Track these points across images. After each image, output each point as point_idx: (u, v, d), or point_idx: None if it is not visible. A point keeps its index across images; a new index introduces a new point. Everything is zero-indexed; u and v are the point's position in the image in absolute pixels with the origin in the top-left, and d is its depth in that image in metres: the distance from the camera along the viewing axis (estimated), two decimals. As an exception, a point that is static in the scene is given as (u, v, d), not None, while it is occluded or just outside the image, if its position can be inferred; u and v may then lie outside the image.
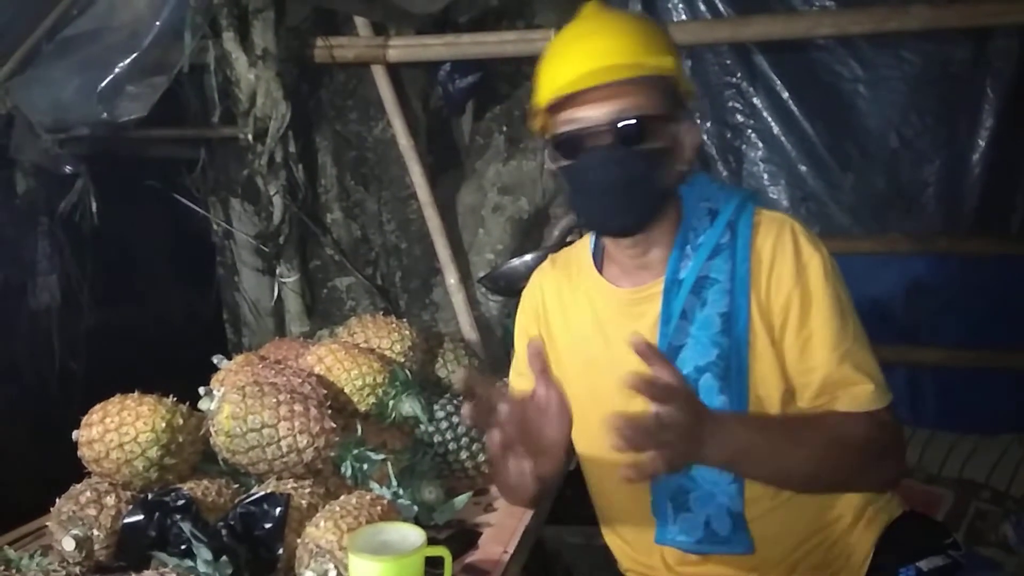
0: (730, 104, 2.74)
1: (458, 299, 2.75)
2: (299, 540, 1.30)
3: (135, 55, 2.29)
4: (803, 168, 2.69)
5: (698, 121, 1.30)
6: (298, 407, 1.46)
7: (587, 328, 1.35)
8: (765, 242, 1.23)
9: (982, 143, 2.53)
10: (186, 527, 1.30)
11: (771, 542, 1.28)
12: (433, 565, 1.23)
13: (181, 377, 1.57)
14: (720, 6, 2.64)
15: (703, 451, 1.03)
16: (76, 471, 1.48)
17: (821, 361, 1.20)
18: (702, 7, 2.67)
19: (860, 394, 1.19)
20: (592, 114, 1.18)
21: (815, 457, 1.15)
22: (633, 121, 1.17)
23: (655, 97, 1.19)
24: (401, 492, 1.48)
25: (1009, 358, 2.53)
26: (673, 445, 0.97)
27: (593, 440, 1.38)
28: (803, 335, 1.20)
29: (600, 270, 1.36)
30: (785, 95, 2.67)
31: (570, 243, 1.50)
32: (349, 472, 1.52)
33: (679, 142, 1.23)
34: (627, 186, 1.20)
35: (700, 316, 1.22)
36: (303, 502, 1.38)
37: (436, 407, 1.74)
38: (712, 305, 1.22)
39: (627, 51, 1.17)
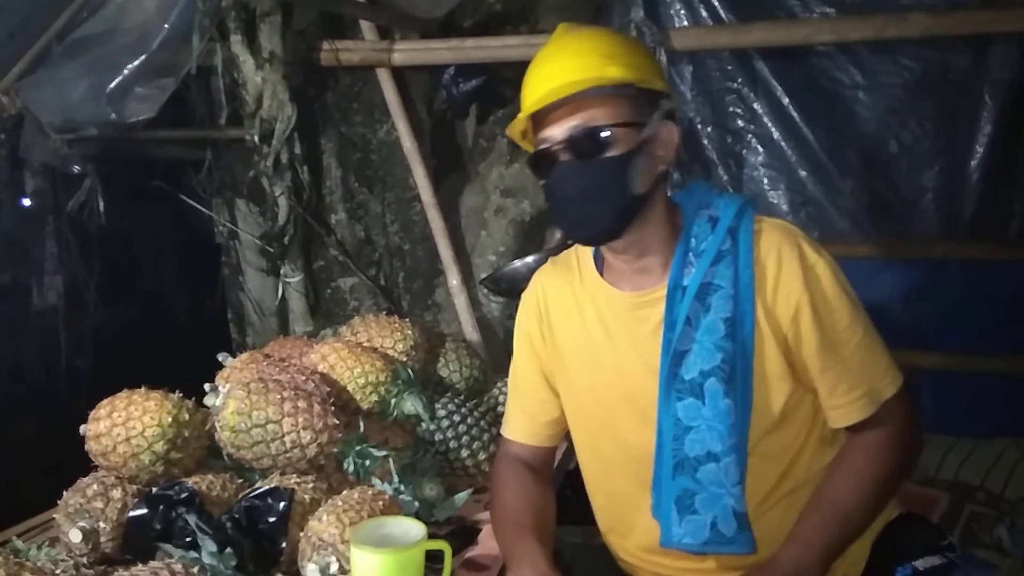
0: (731, 109, 2.76)
1: (460, 300, 2.77)
2: (302, 533, 1.32)
3: (144, 57, 2.33)
4: (803, 173, 2.71)
5: (675, 119, 1.31)
6: (302, 404, 1.48)
7: (592, 328, 1.37)
8: (769, 249, 1.26)
9: (980, 149, 2.55)
10: (191, 520, 1.32)
11: (771, 541, 1.30)
12: (433, 560, 1.26)
13: (186, 376, 1.59)
14: (722, 13, 2.66)
15: None
16: (83, 465, 1.50)
17: (841, 357, 1.26)
18: (704, 13, 2.68)
19: (877, 389, 1.27)
20: (554, 132, 1.24)
21: (871, 504, 1.27)
22: (585, 134, 1.22)
23: (618, 107, 1.22)
24: (402, 488, 1.50)
25: (1006, 363, 2.54)
26: None
27: (594, 439, 1.41)
28: (821, 336, 1.25)
29: (601, 273, 1.38)
30: (785, 101, 2.68)
31: (571, 245, 1.51)
32: (351, 468, 1.54)
33: (652, 145, 1.25)
34: (587, 197, 1.24)
35: (705, 321, 1.25)
36: (306, 497, 1.40)
37: (437, 406, 1.76)
38: (716, 310, 1.24)
39: (583, 67, 1.21)
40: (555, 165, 1.25)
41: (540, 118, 1.25)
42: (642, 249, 1.30)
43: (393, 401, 1.70)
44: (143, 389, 1.52)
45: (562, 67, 1.23)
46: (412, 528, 1.24)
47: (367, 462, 1.55)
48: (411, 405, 1.70)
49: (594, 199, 1.24)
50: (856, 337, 1.26)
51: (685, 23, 2.70)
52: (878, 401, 1.26)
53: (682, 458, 1.26)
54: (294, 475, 1.47)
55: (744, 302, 1.24)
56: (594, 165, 1.22)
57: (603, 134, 1.21)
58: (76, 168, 2.63)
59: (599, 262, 1.39)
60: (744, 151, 2.77)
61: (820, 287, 1.25)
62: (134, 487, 1.44)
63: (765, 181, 2.76)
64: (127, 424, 1.45)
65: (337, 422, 1.50)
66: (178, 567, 1.23)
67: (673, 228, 1.31)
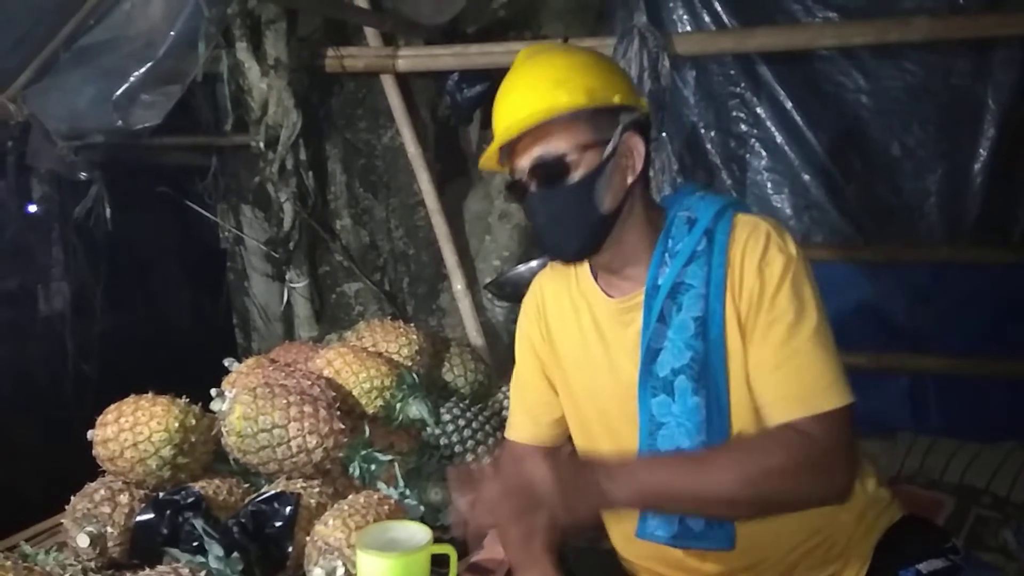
0: (734, 114, 2.77)
1: (464, 305, 2.78)
2: (308, 538, 1.33)
3: (150, 64, 2.34)
4: (806, 177, 2.71)
5: (641, 128, 1.29)
6: (308, 408, 1.49)
7: (587, 332, 1.39)
8: (737, 245, 1.26)
9: (983, 153, 2.54)
10: (198, 524, 1.33)
11: (768, 543, 1.30)
12: (438, 564, 1.26)
13: (191, 381, 1.60)
14: (724, 18, 2.67)
15: (604, 496, 1.12)
16: (91, 470, 1.51)
17: (767, 357, 1.22)
18: (707, 18, 2.69)
19: (800, 398, 1.20)
20: (521, 163, 1.28)
21: (734, 485, 1.15)
22: (545, 163, 1.25)
23: (575, 130, 1.24)
24: (408, 493, 1.51)
25: (1010, 366, 2.54)
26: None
27: (593, 441, 1.42)
28: (759, 326, 1.23)
29: (595, 278, 1.40)
30: (788, 105, 2.69)
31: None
32: (357, 472, 1.55)
33: (618, 159, 1.27)
34: (558, 222, 1.29)
35: (676, 320, 1.26)
36: (312, 501, 1.41)
37: (442, 410, 1.77)
38: (687, 310, 1.25)
39: (535, 99, 1.24)
40: (526, 194, 1.29)
41: (509, 148, 1.29)
42: (624, 258, 1.32)
43: (398, 406, 1.70)
44: (150, 394, 1.53)
45: (518, 100, 1.26)
46: (418, 532, 1.24)
47: (372, 467, 1.56)
48: (416, 410, 1.71)
49: (564, 224, 1.28)
50: (797, 339, 1.20)
51: (688, 28, 2.71)
52: (810, 411, 1.18)
53: (655, 453, 1.27)
54: (300, 480, 1.48)
55: (714, 301, 1.24)
56: (559, 192, 1.26)
57: (564, 160, 1.24)
58: (83, 175, 2.64)
59: (594, 267, 1.40)
60: (747, 155, 2.77)
61: (772, 279, 1.22)
62: (141, 492, 1.45)
63: (768, 185, 2.76)
64: (134, 429, 1.46)
65: (343, 427, 1.50)
66: (185, 571, 1.24)
67: (656, 232, 1.33)
